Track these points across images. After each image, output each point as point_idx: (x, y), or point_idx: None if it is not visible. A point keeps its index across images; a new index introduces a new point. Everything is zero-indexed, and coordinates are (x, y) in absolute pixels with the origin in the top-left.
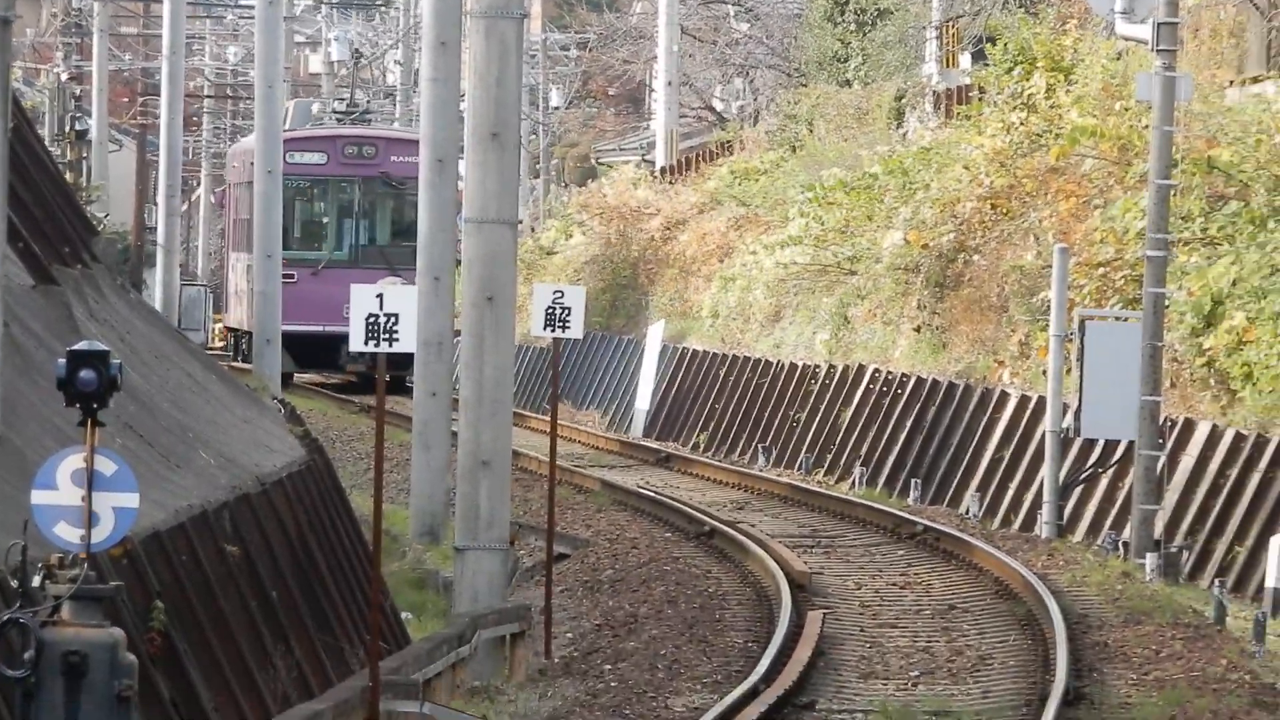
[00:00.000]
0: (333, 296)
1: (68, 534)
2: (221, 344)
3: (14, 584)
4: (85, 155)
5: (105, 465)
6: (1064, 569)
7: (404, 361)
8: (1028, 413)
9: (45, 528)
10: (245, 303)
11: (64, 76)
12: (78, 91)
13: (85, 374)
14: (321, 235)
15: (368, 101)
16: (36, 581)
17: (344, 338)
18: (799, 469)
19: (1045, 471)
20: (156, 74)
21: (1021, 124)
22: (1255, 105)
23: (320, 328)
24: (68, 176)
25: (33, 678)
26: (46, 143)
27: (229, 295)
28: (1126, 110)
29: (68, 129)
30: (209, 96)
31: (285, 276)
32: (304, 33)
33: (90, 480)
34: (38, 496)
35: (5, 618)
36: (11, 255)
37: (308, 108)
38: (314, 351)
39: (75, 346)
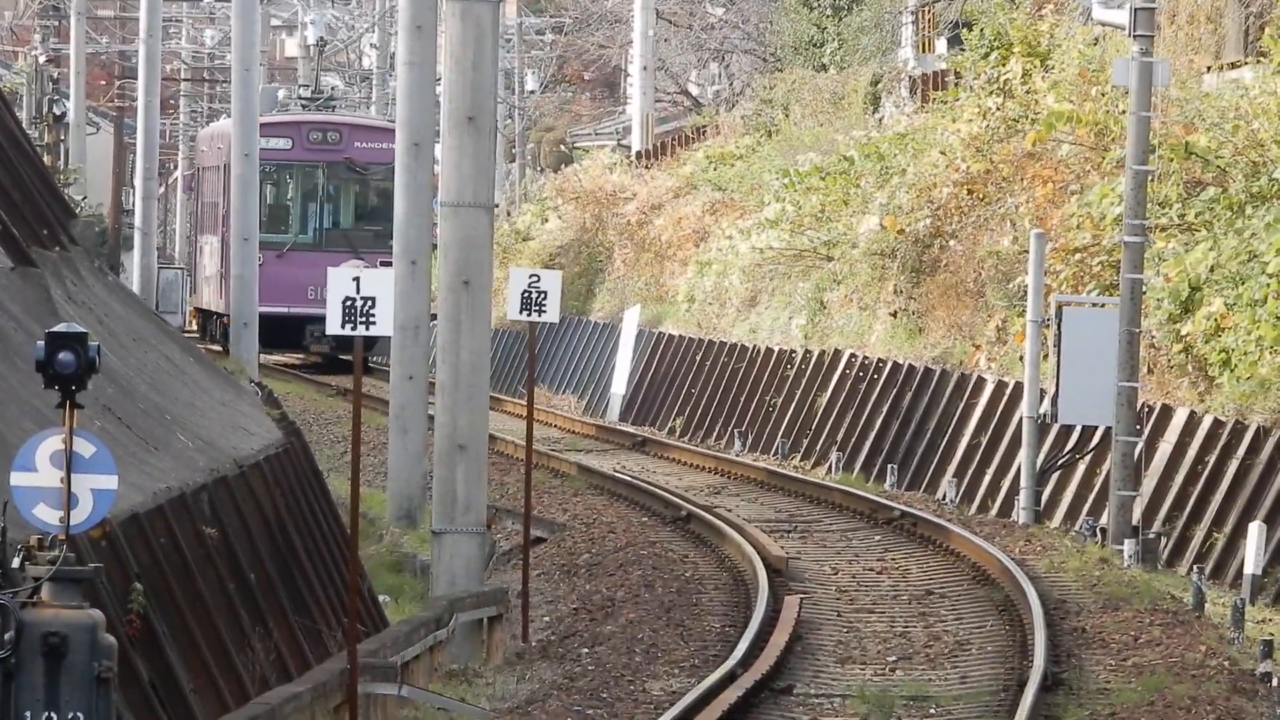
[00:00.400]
0: (298, 279)
1: (47, 515)
2: (196, 326)
3: None
4: (63, 138)
5: (84, 447)
6: (1041, 554)
7: (369, 342)
8: (1005, 398)
9: (24, 509)
10: (215, 285)
11: (42, 59)
12: (55, 74)
13: (64, 356)
14: (287, 219)
15: (332, 89)
16: (16, 563)
17: (309, 319)
18: (775, 454)
19: (1022, 457)
20: (133, 57)
21: (998, 109)
22: (1233, 91)
23: (285, 309)
24: (45, 159)
25: (13, 658)
26: (24, 126)
27: (199, 278)
28: (1103, 96)
29: (45, 112)
30: (186, 80)
31: None
32: (280, 16)
33: (69, 462)
34: (17, 478)
35: None
36: None
37: (274, 94)
38: (279, 332)
39: (54, 329)
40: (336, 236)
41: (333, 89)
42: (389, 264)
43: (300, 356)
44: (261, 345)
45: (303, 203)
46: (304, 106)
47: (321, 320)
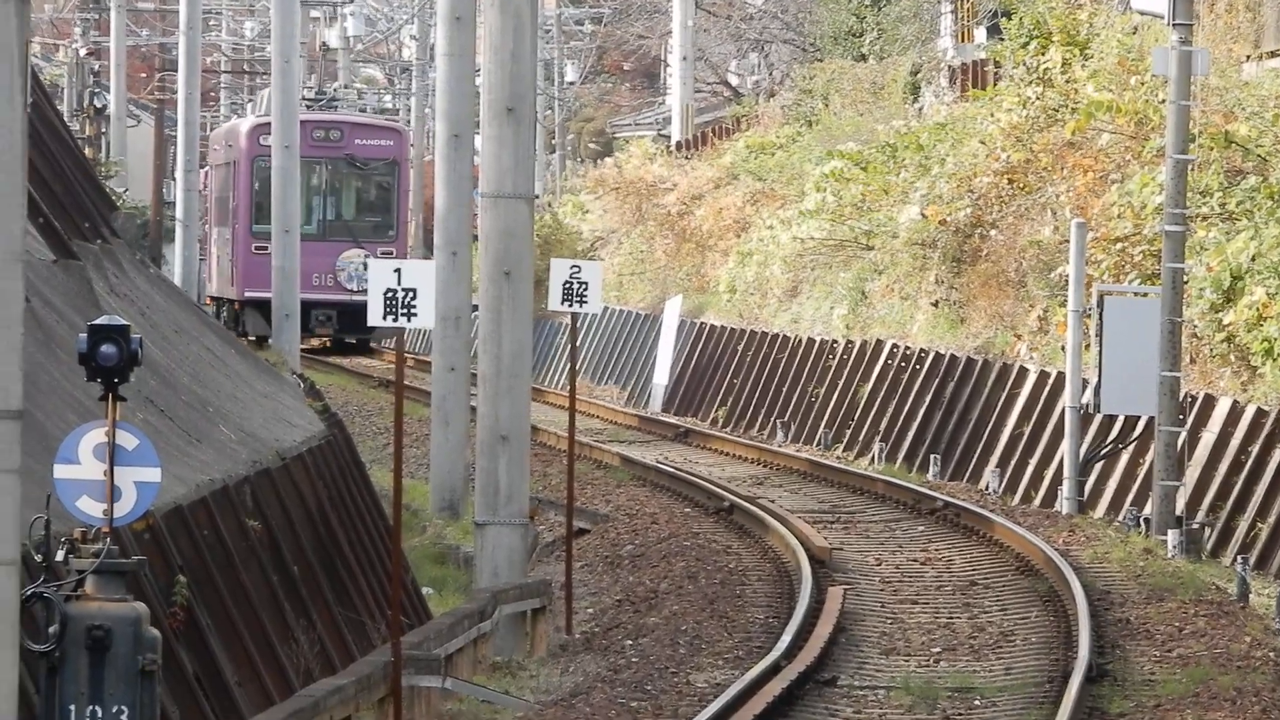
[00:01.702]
0: (304, 267)
1: (90, 508)
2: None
3: (38, 558)
4: (104, 131)
5: (127, 440)
6: (1085, 545)
7: (365, 323)
8: (1047, 388)
9: (68, 502)
10: (226, 273)
11: (82, 52)
12: (96, 67)
13: (106, 349)
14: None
15: (336, 88)
16: (60, 556)
17: (314, 304)
18: (818, 444)
19: (1065, 447)
20: (174, 49)
21: (1038, 98)
22: (1272, 79)
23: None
24: (87, 152)
25: (57, 652)
26: (65, 118)
27: (212, 267)
28: (1143, 85)
29: (86, 104)
30: (226, 72)
31: (260, 248)
32: (320, 8)
33: (112, 455)
34: (60, 471)
35: (29, 592)
36: (32, 230)
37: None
38: None
39: (96, 321)
40: (338, 227)
41: (336, 89)
42: (389, 253)
43: (311, 340)
44: (271, 327)
45: (307, 196)
46: (308, 106)
47: (325, 305)
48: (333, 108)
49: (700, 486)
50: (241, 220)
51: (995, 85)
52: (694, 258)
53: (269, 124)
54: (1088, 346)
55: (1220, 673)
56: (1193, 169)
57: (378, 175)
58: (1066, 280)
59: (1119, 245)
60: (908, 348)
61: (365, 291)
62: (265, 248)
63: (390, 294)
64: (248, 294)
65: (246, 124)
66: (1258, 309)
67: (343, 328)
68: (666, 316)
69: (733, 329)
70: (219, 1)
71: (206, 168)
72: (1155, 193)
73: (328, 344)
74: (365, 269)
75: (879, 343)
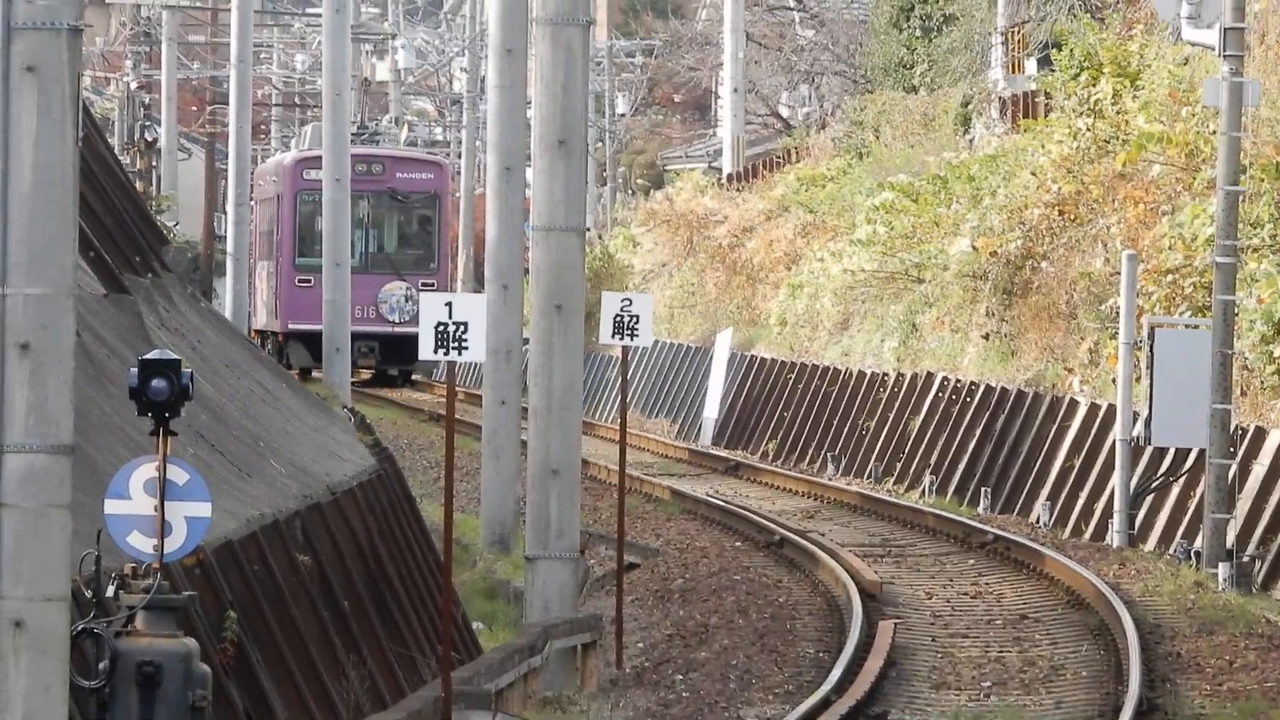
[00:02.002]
0: None
1: (141, 544)
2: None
3: (88, 594)
4: (155, 164)
5: (177, 475)
6: (1136, 578)
7: (411, 356)
8: (1098, 421)
9: (118, 537)
10: (270, 307)
11: (133, 85)
12: (147, 100)
13: (157, 383)
14: None
15: (383, 121)
16: (110, 591)
17: (357, 336)
18: (868, 477)
19: (1116, 480)
20: (225, 82)
21: (1088, 130)
22: None
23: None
24: (138, 186)
25: (108, 688)
26: (116, 152)
27: (256, 301)
28: (1194, 116)
29: (137, 138)
30: (277, 105)
31: (303, 281)
32: (371, 40)
33: (163, 490)
34: (111, 506)
35: (80, 628)
36: (83, 264)
37: (321, 130)
38: None
39: (147, 355)
40: (380, 260)
41: (375, 124)
42: (429, 285)
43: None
44: (314, 359)
45: (350, 229)
46: (350, 141)
47: (367, 337)
48: (375, 142)
49: (751, 520)
50: (285, 254)
51: (1046, 116)
52: (745, 290)
53: (312, 158)
54: (1138, 379)
55: (1271, 706)
56: (1244, 200)
57: (419, 208)
58: (1117, 312)
59: (1170, 277)
60: (958, 380)
61: (407, 323)
62: (308, 281)
63: (442, 327)
64: (291, 326)
65: (290, 159)
66: None
67: (385, 359)
68: (717, 349)
69: (783, 362)
70: (270, 34)
71: (252, 202)
72: (1206, 224)
73: (367, 376)
74: (407, 301)
75: (929, 375)
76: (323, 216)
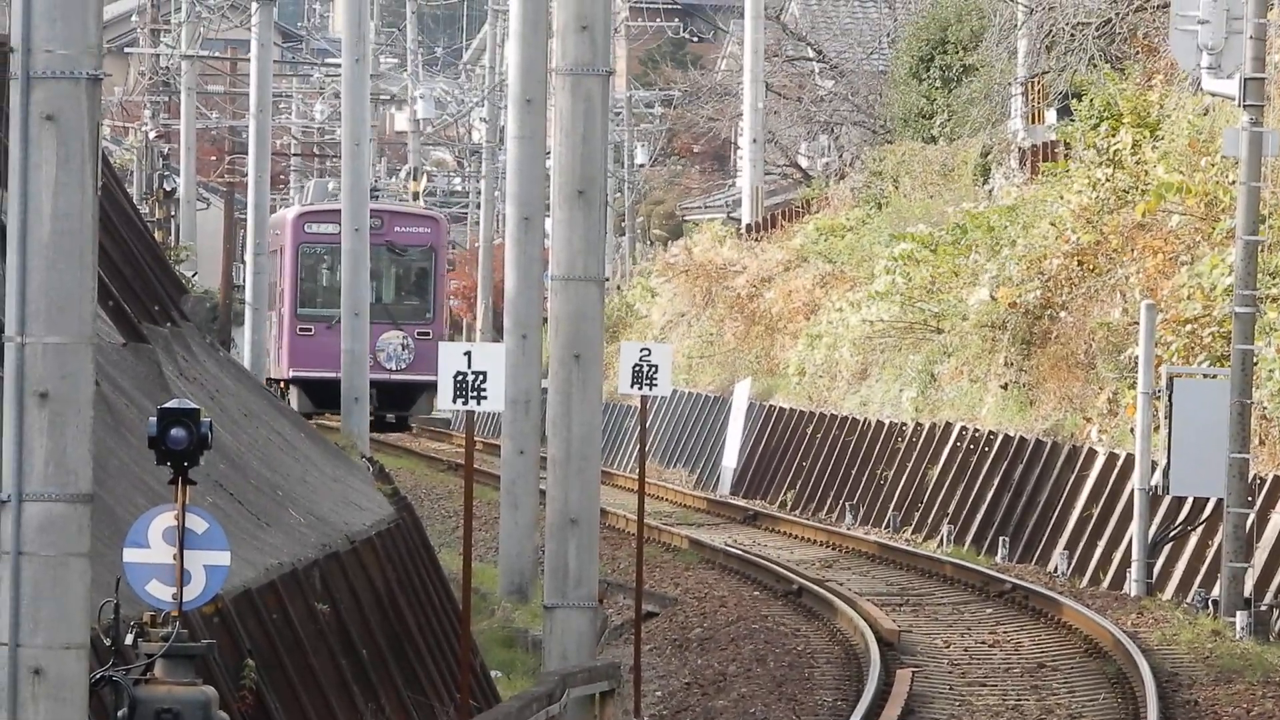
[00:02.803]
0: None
1: (160, 592)
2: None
3: (107, 642)
4: (173, 213)
5: (196, 523)
6: (1154, 627)
7: (407, 402)
8: (1116, 470)
9: (137, 586)
10: (275, 354)
11: (152, 135)
12: (165, 150)
13: (176, 432)
14: (336, 295)
15: (376, 180)
16: (129, 639)
17: None
18: (886, 527)
19: (1134, 529)
20: (243, 132)
21: (1108, 180)
22: None
23: (335, 374)
24: (156, 235)
25: None
26: (135, 201)
27: (270, 349)
28: (1213, 166)
29: (156, 187)
30: (296, 155)
31: (304, 330)
32: (390, 91)
33: (181, 538)
34: (130, 555)
35: (98, 675)
36: (102, 314)
37: (324, 186)
38: (330, 394)
39: (166, 405)
40: (379, 310)
41: (376, 180)
42: (425, 334)
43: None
44: (314, 405)
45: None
46: None
47: (367, 385)
48: (374, 197)
49: (769, 569)
50: (288, 304)
51: (1065, 160)
52: (763, 340)
53: (313, 213)
54: (1157, 428)
55: None
56: (1263, 250)
57: (416, 261)
58: (1136, 362)
59: (1188, 327)
60: (977, 430)
61: (404, 371)
62: (309, 330)
63: (460, 377)
64: (293, 373)
65: (292, 213)
66: None
67: (382, 405)
68: (735, 399)
69: (802, 411)
70: (289, 84)
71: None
72: (1225, 274)
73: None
74: (404, 350)
75: (948, 425)
76: (342, 267)
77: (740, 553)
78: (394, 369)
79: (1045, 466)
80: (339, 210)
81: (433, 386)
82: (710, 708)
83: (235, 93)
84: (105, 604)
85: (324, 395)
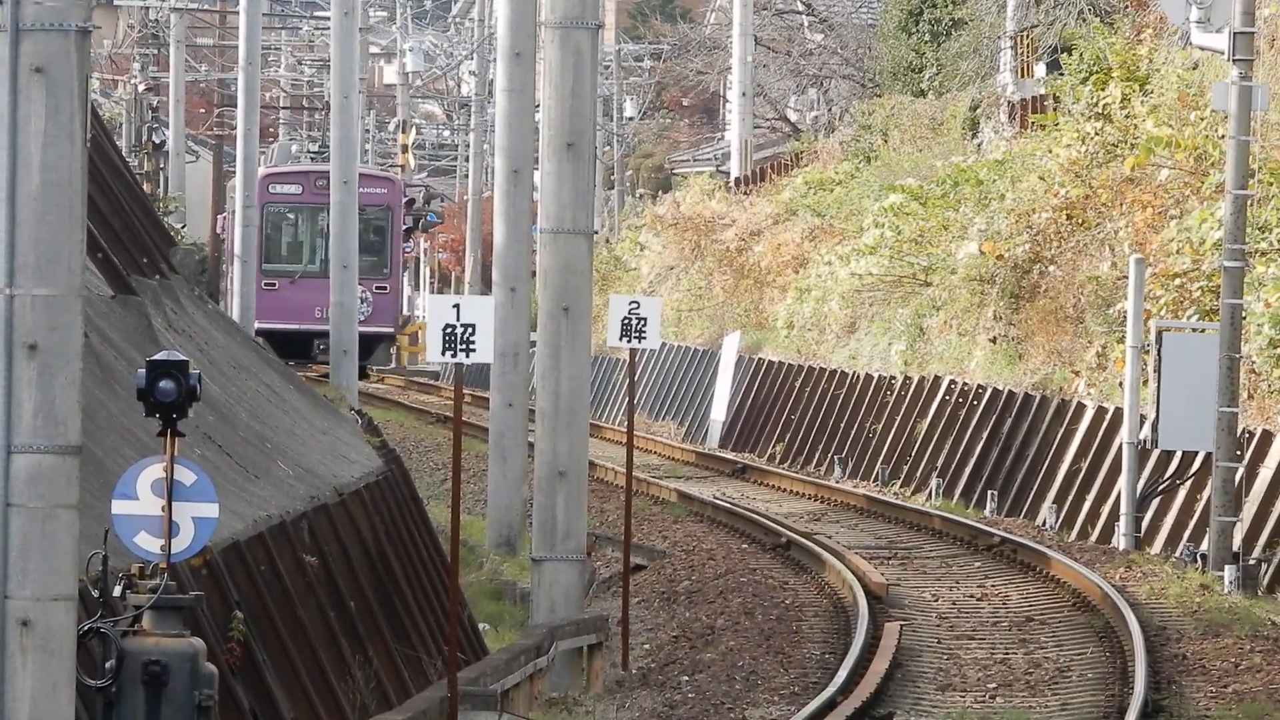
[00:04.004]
0: (307, 301)
1: (148, 544)
2: None
3: (95, 593)
4: (162, 166)
5: (185, 475)
6: (1142, 581)
7: (366, 352)
8: (1104, 424)
9: (125, 537)
10: (237, 310)
11: (141, 88)
12: (154, 103)
13: (164, 384)
14: (299, 251)
15: (397, 123)
16: (117, 591)
17: (316, 334)
18: (875, 480)
19: (1123, 483)
20: (232, 85)
21: (1097, 134)
22: None
23: (297, 326)
24: (145, 188)
25: (114, 687)
26: (124, 154)
27: (228, 302)
28: (1202, 120)
29: (145, 140)
30: (285, 108)
31: (268, 284)
32: (379, 44)
33: (170, 490)
34: (118, 506)
35: (86, 627)
36: (91, 266)
37: (288, 149)
38: (291, 346)
39: (154, 357)
40: None
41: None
42: (383, 289)
43: (312, 367)
44: (279, 355)
45: (311, 238)
46: (312, 158)
47: (326, 335)
48: None
49: (757, 522)
50: (253, 260)
51: (1055, 113)
52: (752, 294)
53: (277, 174)
54: (1146, 382)
55: (1276, 708)
56: (1252, 204)
57: (374, 219)
58: (1125, 316)
59: (1177, 281)
60: (965, 384)
61: (364, 323)
62: (273, 284)
63: (449, 329)
64: (259, 325)
65: (258, 174)
66: None
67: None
68: (724, 352)
69: (790, 365)
70: (278, 37)
71: (225, 214)
72: (1214, 228)
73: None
74: (363, 303)
75: (936, 379)
76: (331, 220)
77: (729, 506)
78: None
79: (1034, 420)
80: (301, 172)
81: (390, 337)
82: (698, 660)
83: (224, 45)
84: (93, 556)
85: (287, 346)
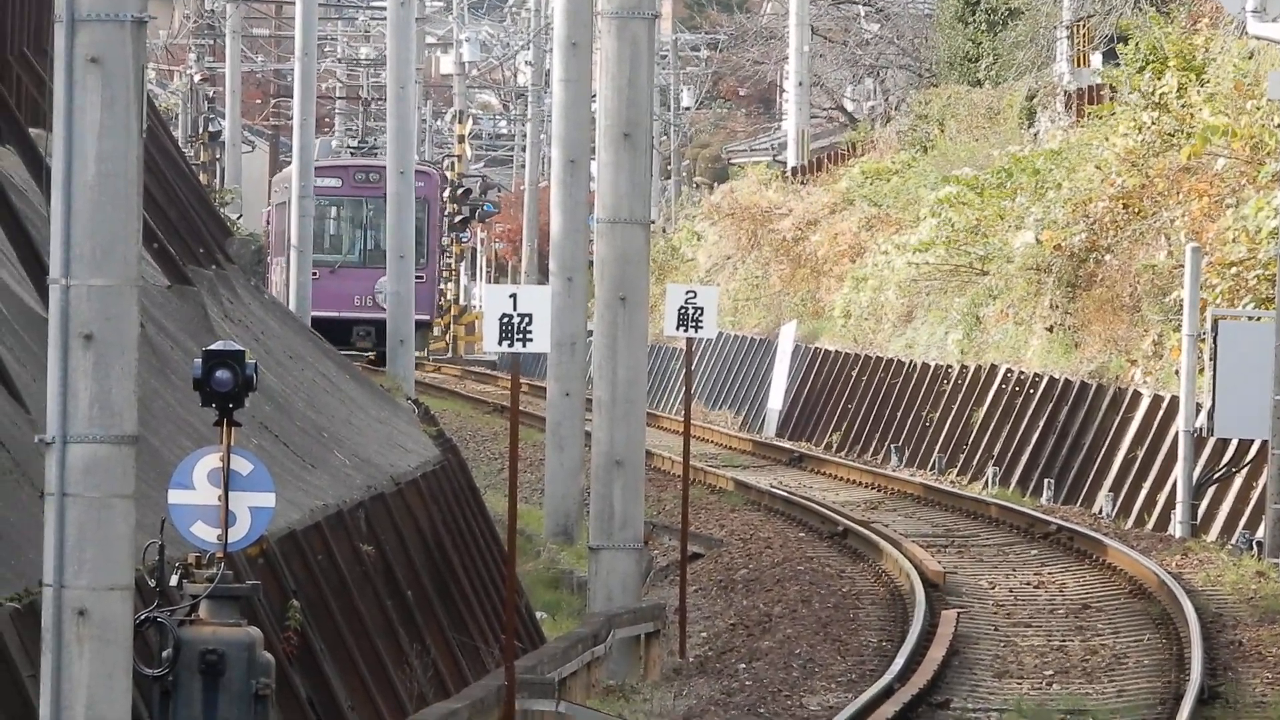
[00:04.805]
0: (346, 289)
1: (204, 533)
2: None
3: (151, 583)
4: (219, 157)
5: (241, 465)
6: (1198, 568)
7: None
8: (1160, 412)
9: (182, 527)
10: (283, 298)
11: (197, 78)
12: (211, 93)
13: (221, 374)
14: (339, 243)
15: (373, 142)
16: (174, 581)
17: (355, 321)
18: (932, 469)
19: (1179, 471)
20: (288, 75)
21: (1153, 123)
22: None
23: (336, 314)
24: (201, 178)
25: (170, 676)
26: (180, 145)
27: (285, 296)
28: (1259, 109)
29: (201, 131)
30: (341, 98)
31: (310, 274)
32: (435, 34)
33: (226, 480)
34: (175, 496)
35: (143, 616)
36: (147, 256)
37: (328, 144)
38: (331, 333)
39: (211, 346)
40: (377, 255)
41: (375, 143)
42: (420, 278)
43: (350, 351)
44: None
45: (350, 229)
46: (352, 153)
47: (365, 323)
48: (374, 154)
49: (814, 511)
50: (309, 249)
51: (1111, 102)
52: (809, 283)
53: (316, 168)
54: (1201, 370)
55: None
56: None
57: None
58: (1181, 305)
59: (1234, 269)
60: (1022, 372)
61: None
62: (315, 274)
63: (506, 319)
64: None
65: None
66: None
67: (381, 341)
68: (781, 342)
69: (847, 354)
70: (335, 27)
71: (269, 208)
72: (1270, 217)
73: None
74: None
75: (993, 368)
76: (387, 209)
77: (785, 494)
78: None
79: (1090, 408)
80: (340, 166)
81: (426, 325)
82: (755, 649)
83: (280, 36)
84: (150, 545)
85: (327, 333)
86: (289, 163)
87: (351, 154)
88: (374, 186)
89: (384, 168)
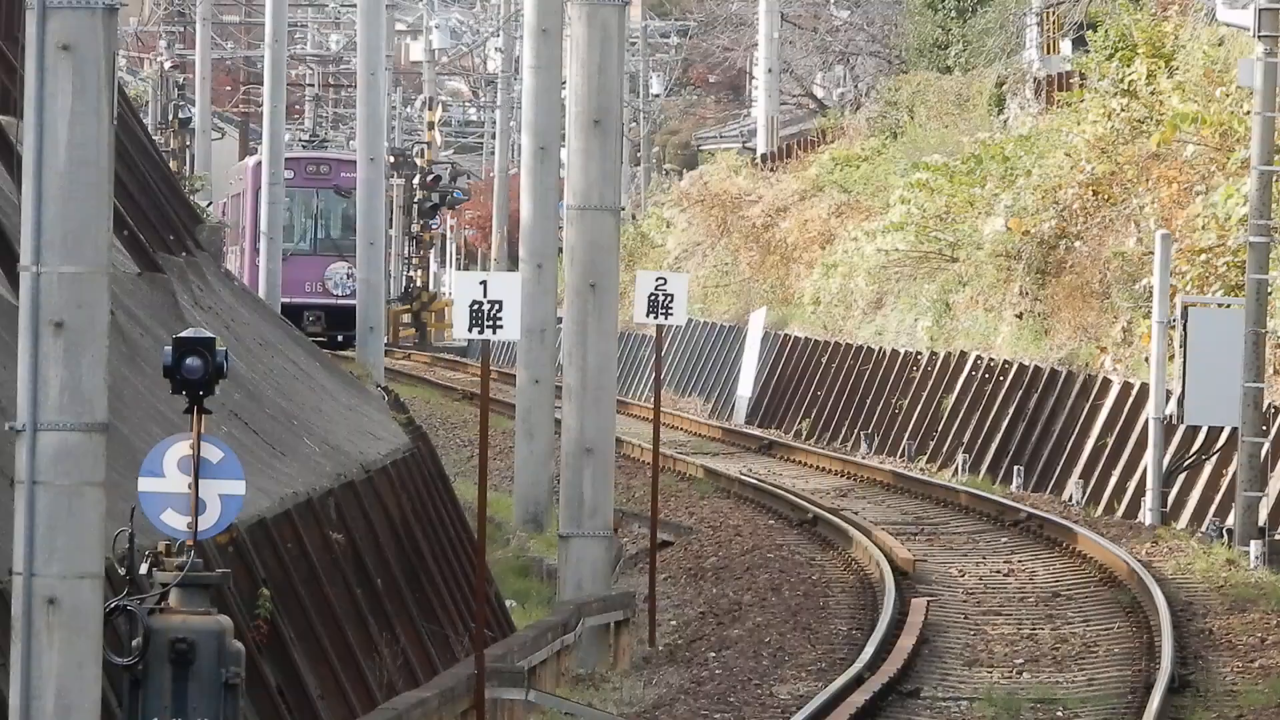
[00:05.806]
0: (298, 277)
1: (174, 521)
2: None
3: (121, 571)
4: (189, 144)
5: (212, 453)
6: (1168, 556)
7: (352, 323)
8: (1130, 399)
9: (152, 515)
10: (263, 288)
11: (167, 65)
12: (181, 80)
13: (191, 361)
14: (290, 232)
15: (324, 133)
16: (144, 569)
17: (306, 307)
18: (902, 456)
19: (1149, 458)
20: (259, 63)
21: (1123, 110)
22: None
23: (289, 299)
24: (171, 165)
25: (140, 665)
26: (150, 131)
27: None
28: (1228, 96)
29: (171, 118)
30: (311, 85)
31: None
32: (405, 21)
33: (197, 468)
34: (145, 484)
35: (113, 605)
36: (117, 243)
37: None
38: (286, 318)
39: (181, 334)
40: (327, 244)
41: (325, 137)
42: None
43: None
44: None
45: (301, 219)
46: (304, 146)
47: (316, 308)
48: (323, 147)
49: (784, 498)
50: (248, 240)
51: (1081, 89)
52: (778, 270)
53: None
54: (1172, 358)
55: None
56: (1277, 180)
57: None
58: (1151, 292)
59: (1203, 257)
60: (991, 359)
61: (348, 296)
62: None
63: (476, 306)
64: None
65: (252, 161)
66: None
67: (330, 326)
68: (751, 329)
69: (817, 341)
70: (305, 14)
71: (224, 199)
72: (1240, 204)
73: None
74: (348, 278)
75: (963, 354)
76: (357, 197)
77: (755, 482)
78: (340, 295)
79: (1060, 396)
80: (296, 158)
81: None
82: (725, 637)
83: (250, 23)
84: (120, 533)
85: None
86: (259, 149)
87: (303, 146)
88: (324, 179)
89: (334, 160)
